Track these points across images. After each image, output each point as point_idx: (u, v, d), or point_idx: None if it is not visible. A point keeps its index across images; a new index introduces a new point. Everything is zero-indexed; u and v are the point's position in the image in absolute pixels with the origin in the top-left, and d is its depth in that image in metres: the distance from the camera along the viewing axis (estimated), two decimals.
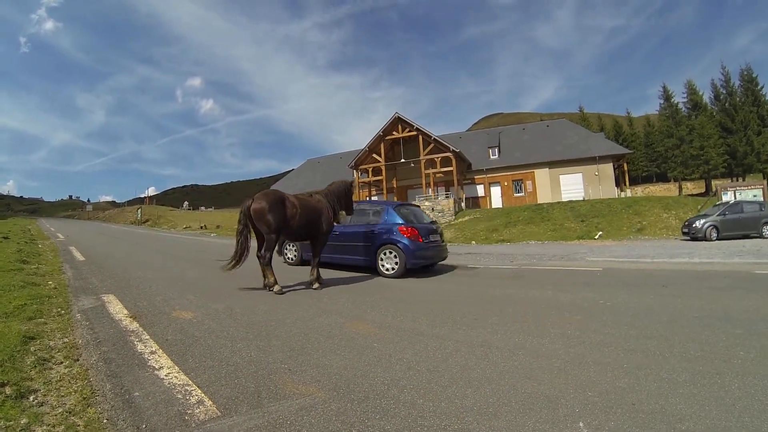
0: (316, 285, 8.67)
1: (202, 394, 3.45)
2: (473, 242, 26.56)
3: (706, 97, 63.29)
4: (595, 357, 4.26)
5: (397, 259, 10.50)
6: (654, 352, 4.38)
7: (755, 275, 9.53)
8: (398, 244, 10.55)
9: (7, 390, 3.36)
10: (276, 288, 8.03)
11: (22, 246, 15.95)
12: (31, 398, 3.36)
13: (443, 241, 12.48)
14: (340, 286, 9.10)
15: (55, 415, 3.11)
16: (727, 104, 59.31)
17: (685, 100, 63.66)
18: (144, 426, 2.95)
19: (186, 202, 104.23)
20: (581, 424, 2.89)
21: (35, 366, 3.98)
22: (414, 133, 43.20)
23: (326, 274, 9.86)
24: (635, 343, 4.67)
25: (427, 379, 3.77)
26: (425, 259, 11.04)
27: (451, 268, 12.55)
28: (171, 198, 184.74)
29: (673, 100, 64.95)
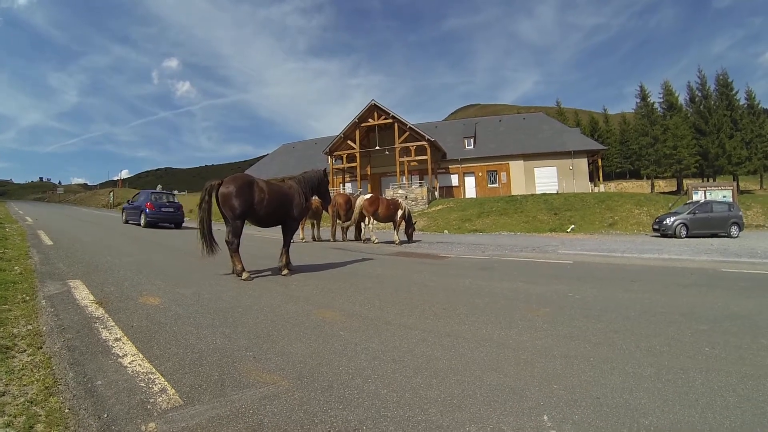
0: (285, 271, 8.60)
1: (165, 383, 3.38)
2: (445, 231, 26.71)
3: (682, 98, 64.92)
4: (561, 350, 4.27)
5: (143, 218, 22.20)
6: (620, 346, 4.41)
7: (721, 273, 9.71)
8: (144, 211, 22.26)
9: None
10: (244, 275, 7.94)
11: None
12: None
13: (177, 212, 23.80)
14: (309, 273, 9.05)
15: (17, 405, 3.03)
16: (701, 107, 60.72)
17: (661, 100, 65.02)
18: (105, 416, 2.89)
19: (160, 186, 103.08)
20: (545, 417, 2.89)
21: None
22: (390, 120, 43.21)
23: (296, 260, 9.79)
24: (602, 337, 4.71)
25: (392, 369, 3.75)
26: (157, 220, 22.61)
27: (422, 257, 12.57)
28: (145, 181, 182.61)
29: (649, 99, 66.21)
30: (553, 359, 4.01)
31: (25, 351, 4.09)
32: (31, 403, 3.07)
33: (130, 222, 24.37)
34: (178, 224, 23.74)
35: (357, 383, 3.43)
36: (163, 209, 22.79)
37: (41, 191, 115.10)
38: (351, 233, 19.36)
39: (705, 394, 3.26)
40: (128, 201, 26.58)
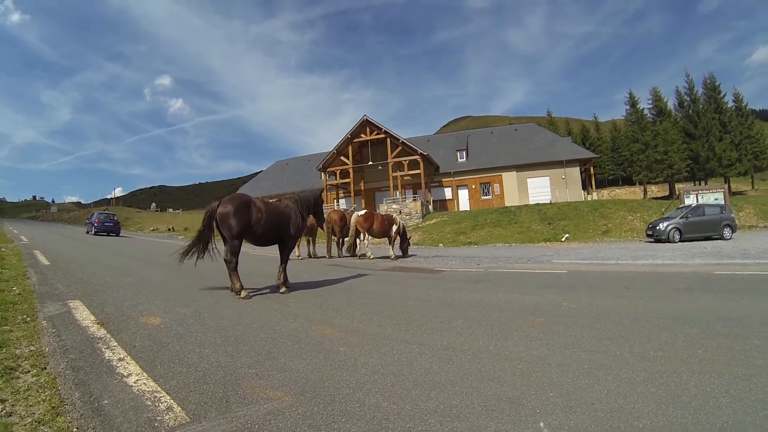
0: (283, 289, 8.70)
1: (171, 401, 3.46)
2: (440, 245, 26.74)
3: (671, 103, 65.36)
4: (557, 358, 4.37)
5: (93, 229, 35.12)
6: (614, 352, 4.51)
7: (714, 276, 9.84)
8: (94, 224, 35.15)
9: None
10: (243, 293, 8.03)
11: None
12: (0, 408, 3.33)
13: (115, 225, 36.65)
14: (306, 290, 9.13)
15: (25, 425, 3.09)
16: (690, 111, 61.14)
17: (651, 106, 65.44)
18: None
19: (153, 204, 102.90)
20: (542, 424, 2.98)
21: (2, 375, 3.95)
22: (382, 135, 43.35)
23: (293, 278, 9.88)
24: (596, 345, 4.81)
25: (391, 382, 3.84)
26: (101, 230, 35.22)
27: (418, 271, 12.66)
28: (138, 199, 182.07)
29: (638, 106, 66.66)
30: (549, 368, 4.11)
31: (29, 372, 4.15)
32: (39, 422, 3.13)
33: (88, 232, 36.47)
34: (116, 233, 37.05)
35: (358, 397, 3.53)
36: (105, 223, 36.65)
37: (35, 210, 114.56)
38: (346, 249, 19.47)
39: (697, 396, 3.36)
40: (87, 219, 40.86)
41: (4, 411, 3.30)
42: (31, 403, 3.45)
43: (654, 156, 56.38)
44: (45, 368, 4.25)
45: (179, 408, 3.34)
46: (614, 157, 76.92)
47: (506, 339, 5.16)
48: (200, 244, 8.47)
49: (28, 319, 6.13)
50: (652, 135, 58.47)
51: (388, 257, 17.20)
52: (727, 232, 22.02)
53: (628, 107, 67.44)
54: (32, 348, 4.84)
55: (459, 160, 49.11)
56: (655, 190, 65.86)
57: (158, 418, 3.17)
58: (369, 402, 3.42)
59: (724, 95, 60.58)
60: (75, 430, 3.05)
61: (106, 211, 45.13)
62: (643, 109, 66.17)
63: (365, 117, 43.73)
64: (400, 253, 18.39)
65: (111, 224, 36.99)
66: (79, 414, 3.27)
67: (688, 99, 63.01)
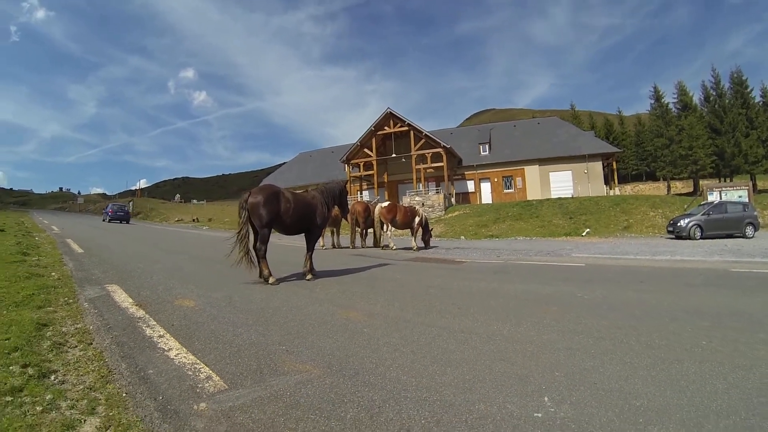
0: (309, 276, 9.05)
1: (210, 371, 3.82)
2: (462, 237, 26.90)
3: (696, 98, 63.62)
4: (565, 343, 4.65)
5: (108, 217, 43.11)
6: (621, 340, 4.76)
7: (730, 273, 9.94)
8: (108, 213, 43.79)
9: (30, 371, 3.67)
10: (271, 279, 8.38)
11: (20, 239, 16.12)
12: (52, 377, 3.67)
13: (126, 214, 44.82)
14: (331, 277, 9.46)
15: (77, 392, 3.43)
16: (716, 106, 59.61)
17: (676, 100, 63.95)
18: (161, 398, 3.32)
19: (178, 195, 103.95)
20: (546, 399, 3.28)
21: (52, 349, 4.30)
22: (405, 128, 43.40)
23: (319, 266, 10.19)
24: (605, 333, 5.06)
25: (411, 359, 4.17)
26: (114, 218, 42.30)
27: (439, 262, 12.94)
28: (162, 190, 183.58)
29: (663, 100, 65.34)
30: (557, 351, 4.40)
31: (76, 347, 4.55)
32: (90, 389, 3.49)
33: (104, 220, 43.88)
34: (127, 221, 44.36)
35: (380, 371, 3.87)
36: (117, 213, 44.25)
37: (61, 201, 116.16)
38: (369, 240, 19.70)
39: (696, 382, 3.60)
40: (104, 209, 49.88)
41: (57, 380, 3.64)
42: (81, 373, 3.82)
43: (678, 151, 55.46)
44: (91, 344, 4.64)
45: (218, 377, 3.70)
46: (638, 151, 75.90)
47: (519, 325, 5.45)
48: (245, 233, 8.72)
49: (70, 301, 6.55)
50: (676, 130, 57.43)
51: (410, 248, 17.47)
52: (749, 230, 21.73)
53: (652, 101, 66.29)
54: (77, 326, 5.25)
55: (482, 153, 49.03)
56: (679, 186, 64.91)
57: (199, 386, 3.54)
58: (390, 375, 3.77)
59: (752, 90, 59.03)
60: (124, 395, 3.40)
61: (119, 203, 55.81)
62: (668, 103, 64.95)
63: (389, 110, 43.88)
64: (422, 245, 18.63)
65: (122, 213, 44.61)
66: (127, 382, 3.64)
67: (714, 93, 61.51)
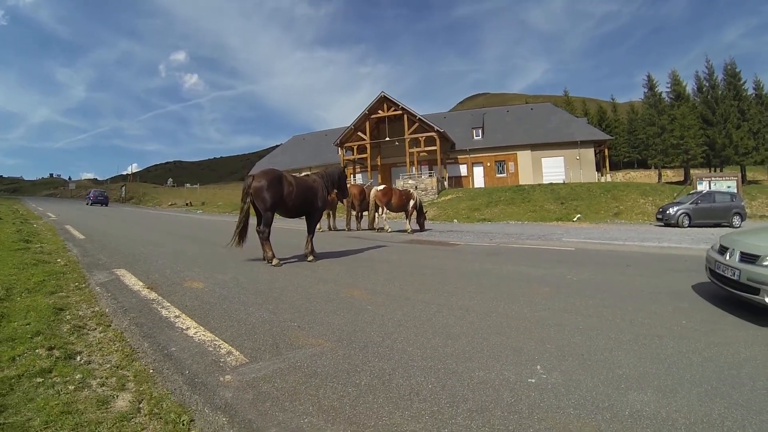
0: (310, 258, 9.38)
1: (230, 347, 4.15)
2: (455, 221, 27.18)
3: (689, 88, 63.77)
4: (556, 320, 5.02)
5: (89, 201, 50.51)
6: (607, 318, 5.13)
7: None
8: (89, 197, 51.40)
9: (56, 353, 3.89)
10: (274, 261, 8.69)
11: (19, 226, 16.07)
12: (78, 358, 3.89)
13: (105, 198, 51.33)
14: (332, 259, 9.82)
15: (105, 370, 3.67)
16: (709, 96, 59.86)
17: (669, 89, 64.13)
18: (187, 372, 3.62)
19: (170, 179, 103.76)
20: (538, 367, 3.66)
21: (72, 332, 4.53)
22: (399, 112, 43.36)
23: (318, 248, 10.47)
24: (592, 311, 5.43)
25: (414, 333, 4.54)
26: (95, 202, 49.13)
27: (434, 244, 13.29)
28: (154, 175, 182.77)
29: (657, 89, 65.59)
30: (548, 327, 4.77)
31: (95, 329, 4.78)
32: (117, 367, 3.74)
33: (86, 204, 49.82)
34: (105, 204, 50.38)
35: (387, 344, 4.23)
36: (98, 197, 50.34)
37: (53, 187, 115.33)
38: (364, 223, 19.96)
39: (673, 355, 3.97)
40: (87, 194, 57.15)
41: (83, 360, 3.88)
42: (105, 353, 4.06)
43: (670, 140, 55.77)
44: (110, 325, 4.89)
45: (238, 352, 4.03)
46: (630, 139, 76.21)
47: (513, 303, 5.83)
48: (245, 218, 8.99)
49: (81, 285, 6.76)
50: (669, 119, 57.66)
51: (404, 231, 17.80)
52: (736, 220, 22.01)
53: (646, 90, 66.49)
54: (94, 310, 5.49)
55: (475, 137, 49.11)
56: (670, 175, 65.32)
57: (221, 360, 3.86)
58: (397, 347, 4.13)
59: (744, 82, 59.26)
60: (151, 371, 3.67)
61: (99, 189, 61.61)
62: (662, 92, 65.08)
63: (383, 93, 43.87)
64: (417, 227, 18.92)
65: (102, 198, 50.95)
66: (151, 359, 3.92)
67: (707, 84, 61.66)
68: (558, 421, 2.81)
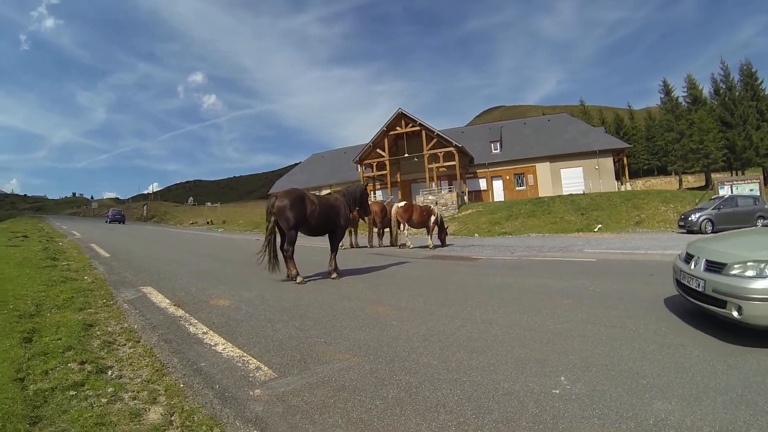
0: (334, 275, 9.43)
1: (258, 362, 4.26)
2: (476, 235, 27.08)
3: (706, 91, 63.18)
4: (579, 331, 5.04)
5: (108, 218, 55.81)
6: (630, 328, 5.13)
7: None
8: (108, 216, 57.23)
9: (88, 367, 4.03)
10: (298, 279, 8.81)
11: (45, 244, 16.50)
12: (109, 373, 4.03)
13: (122, 217, 57.74)
14: (355, 275, 9.89)
15: (136, 384, 3.81)
16: (726, 98, 59.27)
17: (685, 94, 63.60)
18: (217, 386, 3.73)
19: (191, 198, 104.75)
20: (563, 378, 3.70)
21: (103, 348, 4.69)
22: (417, 128, 43.35)
23: (342, 265, 10.49)
24: (616, 322, 5.43)
25: (439, 347, 4.60)
26: (113, 220, 54.15)
27: (456, 259, 13.30)
28: (174, 194, 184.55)
29: (673, 94, 65.08)
30: (571, 338, 4.80)
31: (125, 345, 4.94)
32: (148, 382, 3.87)
33: (106, 221, 54.62)
34: (122, 222, 55.29)
35: (413, 358, 4.30)
36: (116, 216, 55.93)
37: (76, 206, 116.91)
38: (386, 239, 20.02)
39: (698, 363, 3.97)
40: (106, 213, 63.33)
41: (114, 374, 4.01)
42: (136, 368, 4.20)
43: (689, 145, 55.22)
44: (139, 341, 5.05)
45: (266, 367, 4.14)
46: (649, 146, 75.56)
47: (536, 315, 5.85)
48: (272, 237, 9.06)
49: (109, 302, 6.98)
50: (687, 124, 57.10)
51: (426, 246, 17.71)
52: (760, 223, 21.57)
53: (662, 95, 66.01)
54: (122, 326, 5.67)
55: (493, 151, 48.98)
56: (691, 180, 64.54)
57: (250, 375, 3.97)
58: (422, 361, 4.20)
59: (762, 82, 58.54)
60: (182, 385, 3.80)
61: (116, 208, 68.59)
62: (678, 97, 64.56)
63: (400, 110, 43.97)
64: (439, 243, 18.79)
65: (119, 216, 56.76)
66: (181, 374, 4.05)
67: (723, 86, 61.01)
68: (582, 430, 2.86)
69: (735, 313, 4.42)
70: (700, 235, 18.96)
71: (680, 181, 61.66)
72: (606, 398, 3.29)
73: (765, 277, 4.32)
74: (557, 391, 3.45)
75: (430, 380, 3.74)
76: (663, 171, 73.13)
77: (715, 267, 4.88)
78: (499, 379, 3.74)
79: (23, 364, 3.96)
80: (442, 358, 4.28)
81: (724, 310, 4.57)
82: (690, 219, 21.74)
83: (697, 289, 5.03)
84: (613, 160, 44.00)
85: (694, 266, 5.23)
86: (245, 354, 4.51)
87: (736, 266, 4.61)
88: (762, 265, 4.41)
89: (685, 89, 63.81)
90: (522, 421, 3.01)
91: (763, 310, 4.28)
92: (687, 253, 5.65)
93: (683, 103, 63.59)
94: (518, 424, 2.96)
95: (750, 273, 4.45)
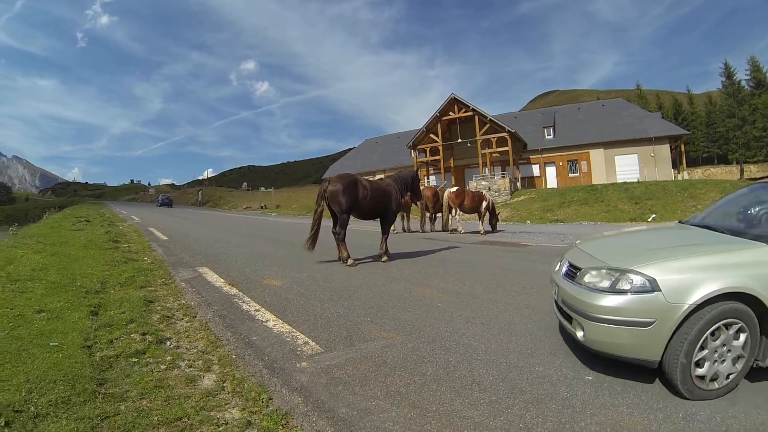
0: (384, 258, 9.66)
1: (306, 338, 4.51)
2: (528, 222, 26.85)
3: None
4: None
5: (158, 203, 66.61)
6: None
7: None
8: (158, 201, 68.46)
9: (149, 338, 4.40)
10: (349, 261, 9.04)
11: (107, 228, 17.29)
12: (168, 343, 4.38)
13: (170, 201, 65.92)
14: (405, 259, 10.05)
15: (192, 354, 4.14)
16: None
17: (749, 77, 61.15)
18: (266, 358, 4.00)
19: (245, 183, 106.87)
20: (597, 366, 3.74)
21: (162, 321, 5.06)
22: (470, 113, 43.04)
23: (392, 249, 10.59)
24: None
25: (480, 329, 4.75)
26: (162, 204, 63.50)
27: (505, 245, 13.35)
28: (228, 179, 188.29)
29: (735, 77, 62.68)
30: None
31: (182, 319, 5.31)
32: (203, 352, 4.19)
33: (157, 206, 62.37)
34: (170, 206, 61.78)
35: (454, 338, 4.48)
36: (164, 200, 64.71)
37: (134, 192, 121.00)
38: (438, 224, 20.07)
39: None
40: (157, 199, 71.62)
41: (172, 345, 4.37)
42: (192, 340, 4.55)
43: (752, 133, 53.26)
44: (195, 316, 5.40)
45: (314, 342, 4.39)
46: (709, 133, 72.80)
47: None
48: (317, 223, 9.31)
49: (168, 281, 7.40)
50: (750, 109, 55.04)
51: (477, 232, 17.72)
52: None
53: (723, 79, 63.79)
54: (180, 302, 6.04)
55: (546, 137, 48.23)
56: (753, 170, 61.82)
57: (298, 349, 4.23)
58: (463, 342, 4.37)
59: None
60: (234, 356, 4.09)
61: (166, 194, 77.36)
62: (740, 80, 62.22)
63: (453, 95, 43.71)
64: (489, 229, 18.84)
65: (168, 201, 64.76)
66: (234, 346, 4.35)
67: None
68: (609, 417, 2.95)
69: (579, 333, 3.59)
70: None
71: (741, 171, 59.41)
72: (638, 388, 3.38)
73: (617, 293, 3.34)
74: (590, 378, 3.56)
75: (468, 360, 3.91)
76: (723, 160, 70.49)
77: (572, 271, 3.97)
78: (535, 362, 3.86)
79: (90, 334, 4.33)
80: (482, 339, 4.43)
81: (570, 326, 3.78)
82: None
83: (554, 297, 4.24)
84: (670, 147, 42.76)
85: (557, 267, 4.38)
86: (294, 330, 4.77)
87: (590, 273, 3.66)
88: (617, 275, 3.42)
89: (748, 72, 61.31)
90: (552, 403, 3.14)
91: (605, 334, 3.37)
92: (563, 255, 4.59)
93: (746, 87, 61.13)
94: (548, 406, 3.09)
95: (604, 284, 3.47)
